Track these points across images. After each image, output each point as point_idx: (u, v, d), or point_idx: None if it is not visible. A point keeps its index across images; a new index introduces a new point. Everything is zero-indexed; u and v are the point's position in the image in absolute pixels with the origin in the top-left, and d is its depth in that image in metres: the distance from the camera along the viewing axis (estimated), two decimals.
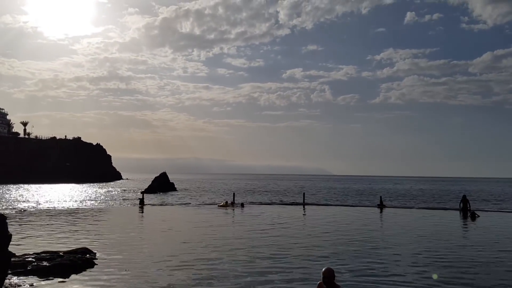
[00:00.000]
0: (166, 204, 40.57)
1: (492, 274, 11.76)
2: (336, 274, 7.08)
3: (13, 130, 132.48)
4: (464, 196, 34.30)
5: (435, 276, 10.90)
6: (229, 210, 34.14)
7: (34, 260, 11.71)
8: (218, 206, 37.87)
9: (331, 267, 7.18)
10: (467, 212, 31.13)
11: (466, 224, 25.57)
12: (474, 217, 28.57)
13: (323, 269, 7.06)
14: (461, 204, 33.08)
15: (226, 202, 38.69)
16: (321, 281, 7.04)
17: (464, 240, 19.12)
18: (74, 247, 14.30)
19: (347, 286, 9.77)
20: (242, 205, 37.97)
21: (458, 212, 32.38)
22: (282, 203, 42.76)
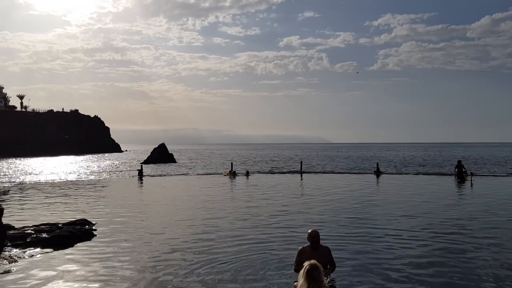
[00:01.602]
0: (165, 175, 40.85)
1: (475, 232, 11.98)
2: (330, 236, 7.21)
3: (9, 104, 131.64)
4: (459, 162, 34.43)
5: None
6: (232, 179, 34.30)
7: (33, 232, 11.87)
8: (224, 174, 38.13)
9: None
10: (462, 176, 31.48)
11: (460, 188, 25.98)
12: (465, 180, 29.52)
13: (310, 231, 7.16)
14: (456, 169, 33.27)
15: (230, 171, 38.85)
16: (306, 245, 7.17)
17: (455, 202, 19.34)
18: (73, 218, 14.47)
19: (339, 245, 9.98)
20: (247, 173, 38.27)
21: (453, 177, 32.69)
22: (282, 172, 43.07)
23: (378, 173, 38.09)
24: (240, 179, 33.73)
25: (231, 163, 44.60)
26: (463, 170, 32.54)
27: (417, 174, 38.72)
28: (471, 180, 29.01)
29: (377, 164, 41.70)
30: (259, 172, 43.14)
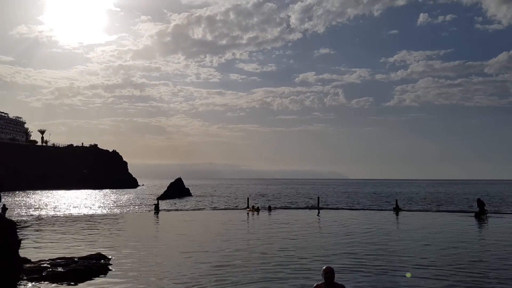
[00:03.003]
0: (181, 210, 40.70)
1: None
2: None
3: (31, 138, 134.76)
4: (479, 199, 33.54)
5: (408, 275, 10.58)
6: (256, 214, 33.94)
7: (49, 266, 11.80)
8: (248, 210, 37.60)
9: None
10: (482, 214, 30.60)
11: (480, 227, 25.24)
12: (486, 218, 29.29)
13: (324, 268, 6.86)
14: (478, 207, 32.31)
15: (253, 206, 38.37)
16: (320, 283, 6.88)
17: (476, 243, 18.70)
18: (89, 252, 14.39)
19: None
20: (269, 208, 38.04)
21: (474, 215, 31.71)
22: (299, 207, 42.52)
23: (397, 210, 37.30)
24: (263, 215, 33.14)
25: (247, 198, 44.27)
26: (483, 208, 31.68)
27: (437, 211, 37.76)
28: (486, 218, 29.19)
29: (396, 201, 40.96)
30: (275, 207, 42.63)
